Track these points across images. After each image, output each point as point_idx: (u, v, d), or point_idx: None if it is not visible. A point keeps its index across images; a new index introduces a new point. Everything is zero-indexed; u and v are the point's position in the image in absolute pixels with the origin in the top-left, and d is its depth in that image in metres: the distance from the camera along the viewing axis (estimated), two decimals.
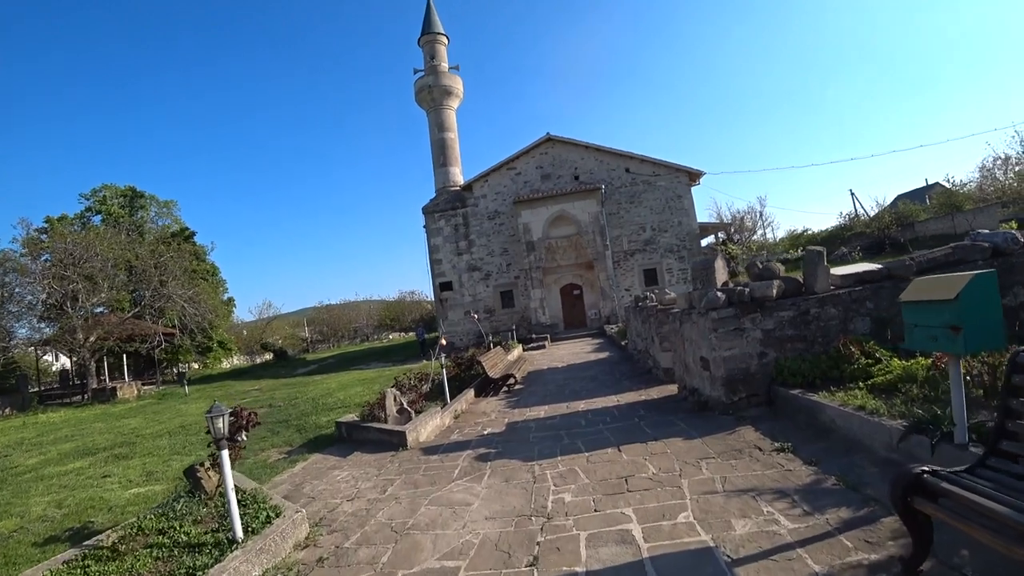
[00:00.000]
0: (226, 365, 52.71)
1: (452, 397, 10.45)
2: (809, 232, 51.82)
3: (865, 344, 6.41)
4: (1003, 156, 37.78)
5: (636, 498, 4.41)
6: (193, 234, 40.21)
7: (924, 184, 56.34)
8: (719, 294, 6.83)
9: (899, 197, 54.23)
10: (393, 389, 8.07)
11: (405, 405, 8.19)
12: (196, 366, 40.91)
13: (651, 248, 29.91)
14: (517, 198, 29.26)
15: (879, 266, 7.42)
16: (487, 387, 12.26)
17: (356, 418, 8.58)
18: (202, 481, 5.45)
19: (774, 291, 6.74)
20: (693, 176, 30.26)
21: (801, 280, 7.12)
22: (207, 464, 5.63)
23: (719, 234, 41.99)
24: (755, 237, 46.24)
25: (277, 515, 4.52)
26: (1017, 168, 36.82)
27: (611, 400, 9.52)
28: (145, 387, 28.59)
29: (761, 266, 7.38)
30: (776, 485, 4.28)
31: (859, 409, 5.03)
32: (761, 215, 45.66)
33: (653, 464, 5.22)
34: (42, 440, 14.82)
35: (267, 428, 11.77)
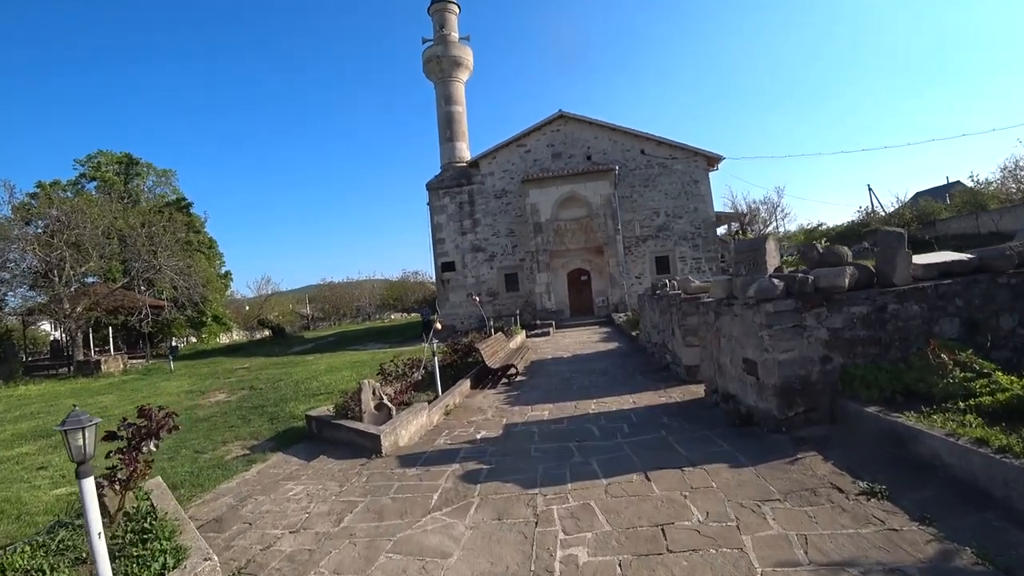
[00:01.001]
0: (225, 340, 51.91)
1: (445, 388, 9.19)
2: (824, 226, 50.08)
3: (958, 352, 5.06)
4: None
5: (682, 567, 3.10)
6: (189, 204, 38.96)
7: (945, 182, 54.51)
8: (775, 282, 5.47)
9: (919, 194, 52.44)
10: (372, 380, 6.78)
11: (386, 400, 6.91)
12: (193, 340, 39.91)
13: (664, 235, 28.44)
14: (526, 176, 27.78)
15: (969, 256, 6.04)
16: (485, 378, 11.00)
17: (329, 412, 7.32)
18: (105, 499, 4.18)
19: (846, 280, 5.37)
20: (711, 161, 28.69)
21: (873, 269, 5.75)
22: (118, 472, 4.35)
23: (732, 224, 40.44)
24: (769, 229, 44.53)
25: (176, 563, 3.24)
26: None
27: (626, 400, 8.22)
28: (135, 361, 27.56)
29: (822, 250, 6.01)
30: (886, 557, 2.97)
31: (979, 443, 3.69)
32: (778, 206, 43.83)
33: (697, 505, 3.90)
34: (4, 416, 13.71)
35: (239, 415, 10.61)
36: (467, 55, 32.13)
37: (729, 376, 6.65)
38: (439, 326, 9.72)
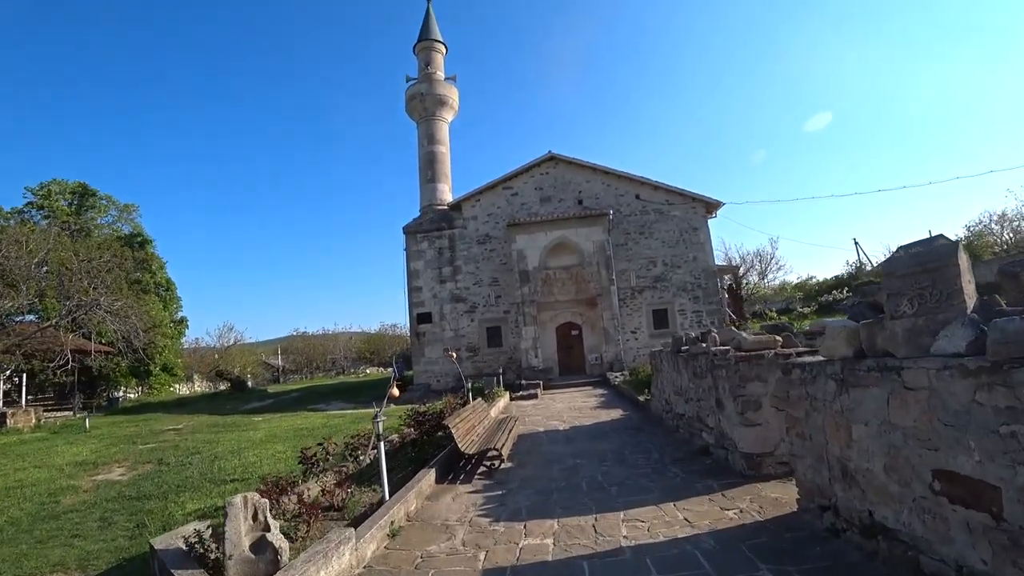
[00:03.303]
0: (185, 391, 47.51)
1: (399, 483, 6.19)
2: (814, 280, 48.66)
3: None
4: (999, 213, 38.43)
5: None
6: (147, 241, 35.73)
7: (928, 236, 54.37)
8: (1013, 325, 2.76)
9: (900, 248, 51.91)
10: (254, 496, 3.83)
11: (275, 531, 3.90)
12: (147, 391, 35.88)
13: (662, 286, 25.98)
14: (512, 220, 25.37)
15: None
16: (457, 465, 7.99)
17: (186, 545, 4.25)
18: None
19: None
20: (710, 207, 26.68)
21: None
22: None
23: (725, 277, 38.45)
24: (766, 280, 42.70)
25: None
26: (1014, 224, 37.85)
27: (672, 516, 5.29)
28: (55, 414, 23.78)
29: None
30: None
31: None
32: (772, 257, 42.10)
33: None
34: None
35: (104, 513, 7.47)
36: (452, 94, 30.44)
37: (877, 491, 3.83)
38: (395, 392, 6.80)
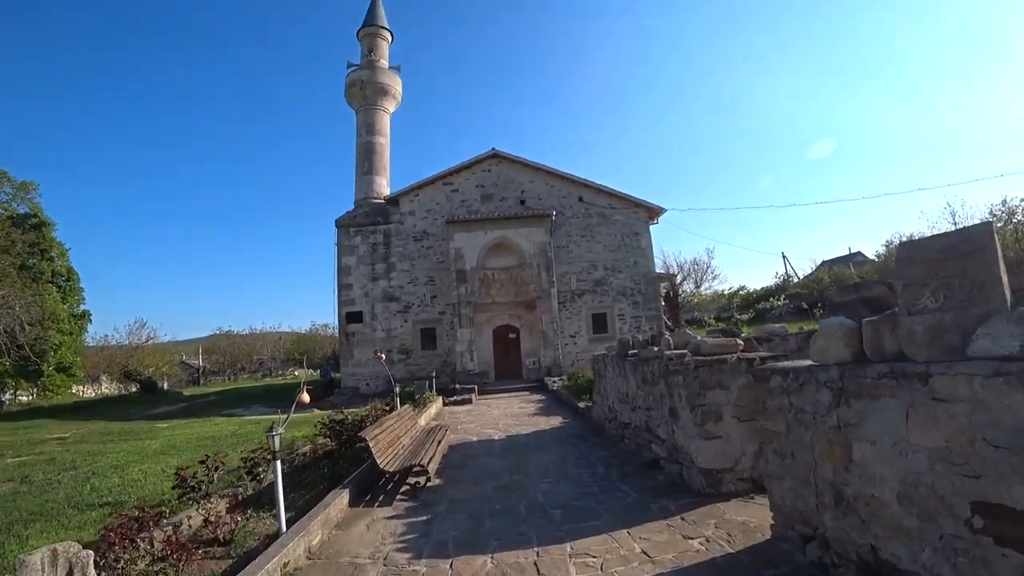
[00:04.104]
0: (91, 394, 43.11)
1: (304, 508, 5.06)
2: (745, 290, 50.36)
3: None
4: (913, 234, 40.47)
5: None
6: (44, 224, 31.86)
7: (848, 252, 58.25)
8: None
9: (824, 263, 55.31)
10: (70, 549, 2.70)
11: None
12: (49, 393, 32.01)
13: (602, 290, 25.63)
14: (451, 218, 24.31)
15: None
16: (377, 483, 6.90)
17: None
18: None
19: None
20: (653, 213, 26.66)
21: None
22: None
23: (663, 285, 38.87)
24: (701, 289, 43.62)
25: None
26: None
27: (628, 545, 4.47)
28: None
29: None
30: None
31: None
32: (708, 267, 43.07)
33: None
34: None
35: None
36: (395, 84, 29.06)
37: (885, 524, 3.13)
38: (305, 398, 5.65)
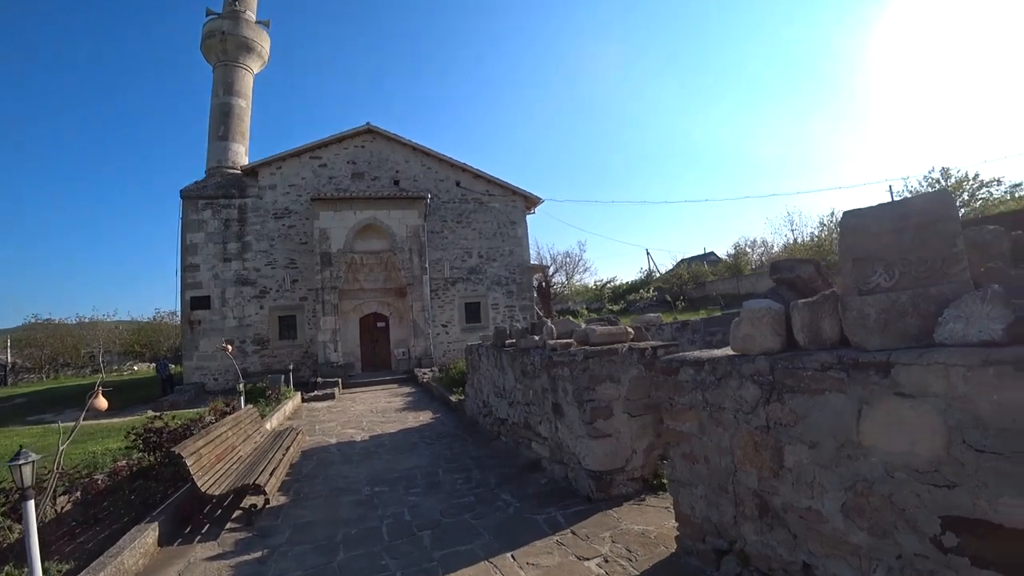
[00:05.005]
0: None
1: (96, 552, 3.64)
2: (615, 282, 52.93)
3: None
4: (756, 239, 48.55)
5: None
6: None
7: (703, 252, 63.87)
8: None
9: (683, 260, 60.04)
10: None
11: None
12: None
13: (476, 278, 25.01)
14: (317, 195, 22.18)
15: None
16: (201, 510, 5.49)
17: None
18: None
19: None
20: (530, 202, 26.55)
21: None
22: None
23: (535, 277, 39.38)
24: (572, 281, 44.88)
25: None
26: (761, 250, 47.41)
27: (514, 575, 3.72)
28: None
29: None
30: None
31: None
32: (580, 260, 44.41)
33: None
34: None
35: None
36: (262, 41, 25.96)
37: (824, 540, 2.64)
38: (101, 403, 4.15)
